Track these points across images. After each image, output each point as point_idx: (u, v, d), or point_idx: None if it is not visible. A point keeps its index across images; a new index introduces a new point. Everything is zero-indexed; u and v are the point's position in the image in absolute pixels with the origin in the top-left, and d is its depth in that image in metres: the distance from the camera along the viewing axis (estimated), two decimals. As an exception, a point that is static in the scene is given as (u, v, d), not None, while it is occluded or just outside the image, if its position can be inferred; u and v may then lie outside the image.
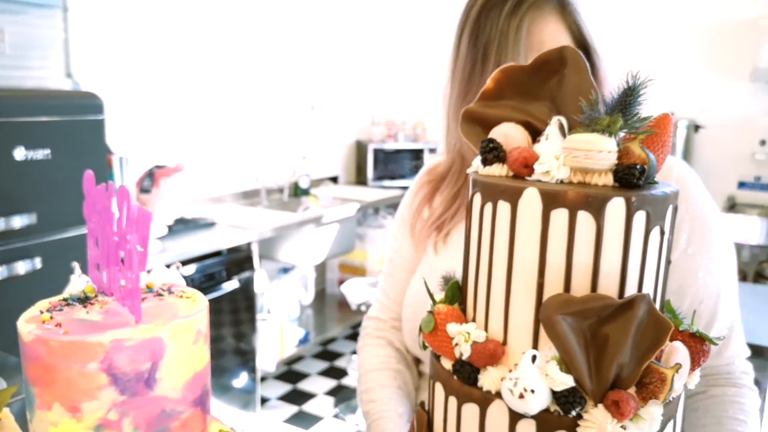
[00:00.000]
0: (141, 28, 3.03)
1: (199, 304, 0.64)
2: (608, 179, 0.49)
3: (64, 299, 0.65)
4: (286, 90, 3.97)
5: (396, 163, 4.40)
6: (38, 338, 0.55)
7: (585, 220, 0.47)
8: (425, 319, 0.55)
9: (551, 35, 0.84)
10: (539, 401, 0.47)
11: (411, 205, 1.05)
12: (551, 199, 0.47)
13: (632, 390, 0.47)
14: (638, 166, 0.48)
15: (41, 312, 0.61)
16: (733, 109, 3.97)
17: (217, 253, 2.76)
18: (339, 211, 3.54)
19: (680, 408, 0.52)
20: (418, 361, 1.03)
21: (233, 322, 2.86)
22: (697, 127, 3.95)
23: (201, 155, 3.37)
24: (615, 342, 0.47)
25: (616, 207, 0.47)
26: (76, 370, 0.54)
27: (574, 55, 0.53)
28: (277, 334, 3.22)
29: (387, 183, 4.39)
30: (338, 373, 3.51)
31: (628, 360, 0.47)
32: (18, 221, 1.92)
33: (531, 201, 0.48)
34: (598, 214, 0.46)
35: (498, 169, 0.53)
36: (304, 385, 3.38)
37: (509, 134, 0.54)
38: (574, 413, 0.47)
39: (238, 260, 2.84)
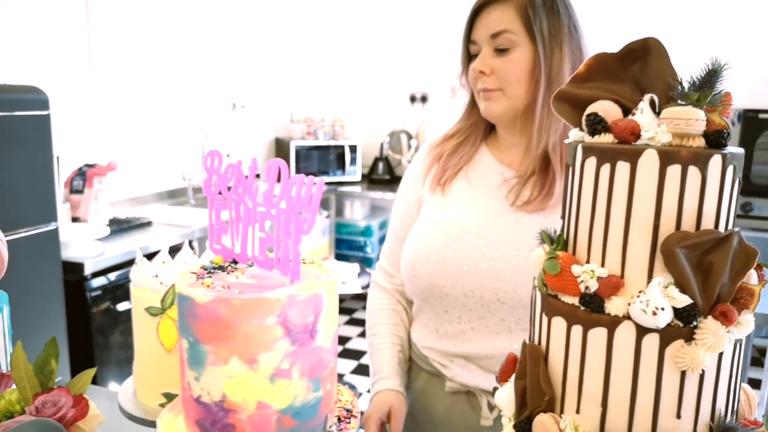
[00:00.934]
0: (61, 22, 2.89)
1: (327, 269, 0.71)
2: (701, 142, 0.62)
3: (204, 268, 0.69)
4: (208, 88, 3.92)
5: (318, 160, 4.46)
6: (218, 299, 0.60)
7: (693, 173, 0.60)
8: (549, 264, 0.66)
9: (492, 24, 1.09)
10: (666, 317, 0.59)
11: (420, 169, 1.26)
12: (667, 158, 0.60)
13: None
14: (725, 131, 0.61)
15: (197, 279, 0.66)
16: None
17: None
18: (271, 207, 3.54)
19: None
20: (410, 302, 1.28)
21: (178, 321, 2.80)
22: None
23: (122, 154, 3.26)
24: (717, 267, 0.60)
25: (715, 162, 0.60)
26: (255, 325, 0.60)
27: (657, 44, 0.67)
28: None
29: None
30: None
31: (726, 280, 0.60)
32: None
33: (649, 160, 0.60)
34: (704, 168, 0.60)
35: (605, 138, 0.65)
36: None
37: (607, 110, 0.67)
38: (692, 325, 0.60)
39: (180, 259, 2.79)
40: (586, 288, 0.64)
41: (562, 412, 0.68)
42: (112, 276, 2.38)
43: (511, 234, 1.09)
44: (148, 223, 2.87)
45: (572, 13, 1.09)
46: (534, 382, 0.69)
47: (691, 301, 0.59)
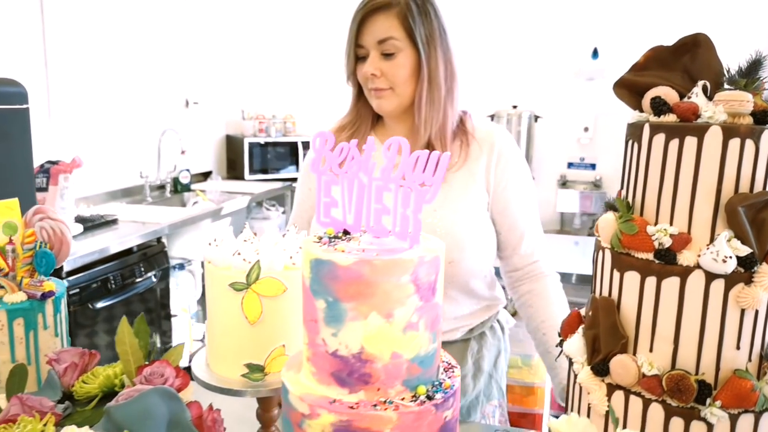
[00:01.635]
0: (15, 16, 2.79)
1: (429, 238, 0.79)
2: (749, 120, 0.75)
3: (320, 238, 0.76)
4: (162, 85, 3.85)
5: (271, 156, 4.47)
6: (360, 260, 0.68)
7: (749, 145, 0.72)
8: (626, 226, 0.77)
9: (378, 32, 1.24)
10: (732, 264, 0.71)
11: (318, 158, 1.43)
12: (729, 132, 0.72)
13: (778, 252, 0.74)
14: (767, 111, 0.75)
15: (327, 245, 0.72)
16: (564, 102, 4.66)
17: (128, 251, 2.67)
18: (233, 204, 3.55)
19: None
20: None
21: (151, 320, 2.78)
22: (536, 117, 4.57)
23: (76, 152, 3.17)
24: (768, 223, 0.73)
25: (766, 136, 0.73)
26: (392, 283, 0.68)
27: (706, 39, 0.79)
28: (187, 330, 3.17)
29: (263, 176, 4.43)
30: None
31: (775, 234, 0.74)
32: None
33: (714, 135, 0.73)
34: (758, 140, 0.72)
35: (669, 118, 0.77)
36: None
37: (667, 94, 0.78)
38: (752, 270, 0.72)
39: (151, 257, 2.76)
40: (660, 244, 0.75)
41: (634, 353, 0.79)
42: (86, 275, 2.34)
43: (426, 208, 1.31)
44: (114, 221, 2.82)
45: (440, 16, 1.26)
46: (609, 329, 0.80)
47: (751, 251, 0.72)
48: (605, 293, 0.83)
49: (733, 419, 0.73)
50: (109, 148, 3.43)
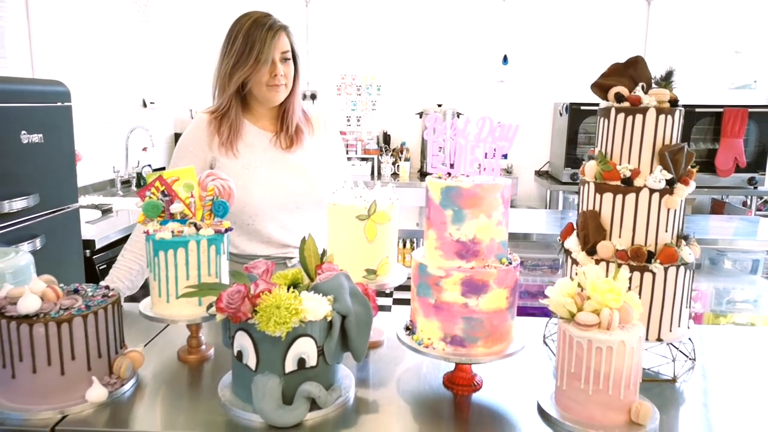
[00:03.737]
0: None
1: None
2: (667, 105, 1.34)
3: (440, 177, 1.27)
4: (124, 87, 4.10)
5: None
6: (475, 185, 1.20)
7: (669, 119, 1.32)
8: (605, 166, 1.34)
9: (283, 46, 1.83)
10: (663, 184, 1.31)
11: (200, 136, 1.91)
12: (659, 111, 1.31)
13: None
14: (677, 100, 1.34)
15: (445, 179, 1.24)
16: (481, 100, 5.36)
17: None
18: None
19: None
20: None
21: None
22: (458, 114, 5.22)
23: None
24: (679, 161, 1.33)
25: (678, 113, 1.33)
26: (492, 197, 1.21)
27: (642, 59, 1.38)
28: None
29: (215, 171, 4.75)
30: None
31: (683, 168, 1.34)
32: (21, 203, 2.06)
33: (651, 113, 1.31)
34: (674, 115, 1.32)
35: (625, 104, 1.35)
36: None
37: (623, 91, 1.37)
38: (673, 186, 1.32)
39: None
40: (624, 175, 1.33)
41: (610, 239, 1.36)
42: (111, 253, 2.65)
43: (300, 166, 1.94)
44: (110, 209, 3.11)
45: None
46: (595, 228, 1.37)
47: (672, 176, 1.32)
48: (590, 208, 1.40)
49: (666, 270, 1.32)
50: (82, 145, 3.66)
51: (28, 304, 1.14)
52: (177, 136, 4.91)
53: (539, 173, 5.46)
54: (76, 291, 1.28)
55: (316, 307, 1.14)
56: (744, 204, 5.02)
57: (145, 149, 4.18)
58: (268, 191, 1.87)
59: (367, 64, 5.41)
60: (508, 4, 5.15)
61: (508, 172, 5.47)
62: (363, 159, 5.55)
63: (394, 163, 5.46)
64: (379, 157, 5.50)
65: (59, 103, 2.27)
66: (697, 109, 4.64)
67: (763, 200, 5.05)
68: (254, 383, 1.13)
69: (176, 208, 1.38)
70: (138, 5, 4.15)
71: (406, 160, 5.43)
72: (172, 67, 4.73)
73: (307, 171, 1.93)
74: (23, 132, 2.05)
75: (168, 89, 4.73)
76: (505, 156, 5.41)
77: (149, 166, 4.21)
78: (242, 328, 1.16)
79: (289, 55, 1.85)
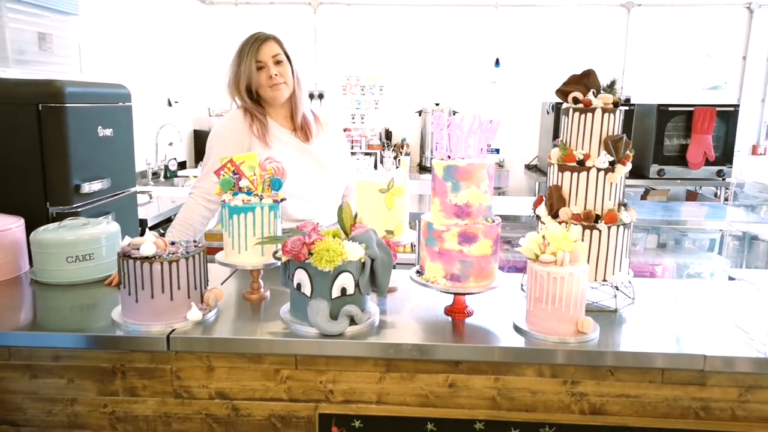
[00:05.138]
0: None
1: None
2: (612, 106, 1.80)
3: (442, 158, 1.74)
4: (151, 87, 4.54)
5: (237, 147, 5.24)
6: (468, 164, 1.66)
7: (612, 117, 1.78)
8: (564, 151, 1.80)
9: (273, 50, 2.26)
10: (607, 164, 1.77)
11: (238, 126, 2.33)
12: (604, 110, 1.77)
13: None
14: (619, 102, 1.80)
15: (445, 159, 1.70)
16: (475, 100, 5.82)
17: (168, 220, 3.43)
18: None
19: None
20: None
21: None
22: (454, 112, 5.69)
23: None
24: (619, 146, 1.79)
25: (619, 112, 1.79)
26: (480, 173, 1.68)
27: (594, 72, 1.84)
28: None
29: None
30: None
31: (622, 152, 1.80)
32: (97, 185, 2.50)
33: (599, 112, 1.77)
34: (615, 114, 1.78)
35: (580, 105, 1.81)
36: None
37: (578, 95, 1.82)
38: (614, 165, 1.78)
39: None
40: (578, 159, 1.79)
41: (568, 206, 1.82)
42: (158, 231, 3.10)
43: (317, 155, 2.37)
44: (150, 195, 3.56)
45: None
46: (558, 198, 1.83)
47: (614, 158, 1.78)
48: (555, 183, 1.86)
49: (609, 228, 1.78)
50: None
51: (148, 248, 1.60)
52: (196, 132, 5.36)
53: (528, 167, 5.92)
54: (173, 243, 1.74)
55: (354, 251, 1.60)
56: (715, 195, 5.50)
57: (171, 144, 4.63)
58: (295, 176, 2.24)
59: (371, 66, 5.86)
60: (500, 12, 5.62)
61: (500, 165, 5.94)
62: (367, 154, 6.01)
63: (395, 158, 5.92)
64: (382, 151, 5.96)
65: (121, 104, 2.71)
66: (671, 108, 5.10)
67: (731, 191, 5.53)
68: (310, 305, 1.59)
69: (244, 183, 1.84)
70: (164, 14, 4.60)
71: (407, 154, 5.89)
72: (191, 70, 5.18)
73: (324, 160, 2.35)
74: (99, 126, 2.50)
75: (189, 90, 5.17)
76: (496, 151, 5.88)
77: (174, 159, 4.65)
78: (301, 266, 1.61)
79: (281, 57, 2.23)
